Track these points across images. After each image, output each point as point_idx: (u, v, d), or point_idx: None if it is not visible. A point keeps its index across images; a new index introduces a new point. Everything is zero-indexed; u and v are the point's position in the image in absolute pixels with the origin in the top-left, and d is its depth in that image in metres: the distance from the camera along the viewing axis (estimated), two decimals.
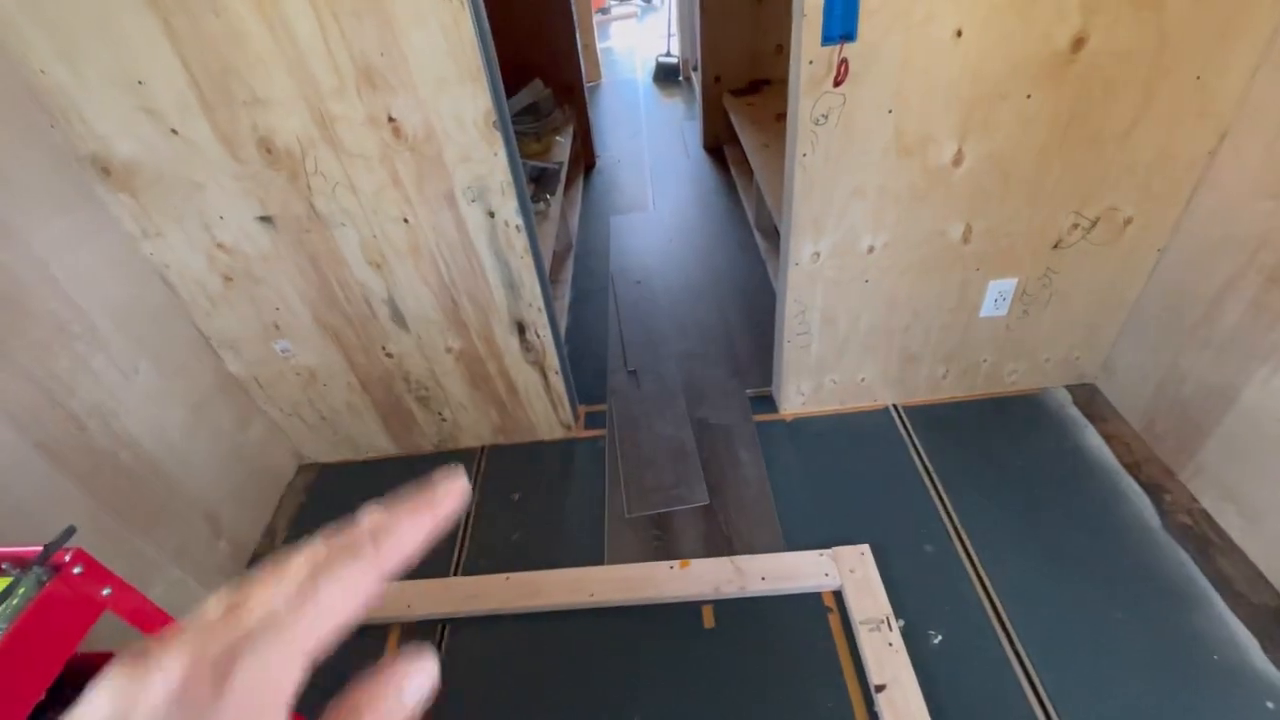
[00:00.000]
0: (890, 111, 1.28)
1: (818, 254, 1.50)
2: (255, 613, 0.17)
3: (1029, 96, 1.27)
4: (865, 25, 1.17)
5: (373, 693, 0.18)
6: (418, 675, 0.19)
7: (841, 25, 1.17)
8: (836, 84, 1.23)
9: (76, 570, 0.72)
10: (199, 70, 1.17)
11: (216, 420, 1.60)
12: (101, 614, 0.75)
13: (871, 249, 1.50)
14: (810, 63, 1.21)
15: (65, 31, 1.12)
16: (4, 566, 0.68)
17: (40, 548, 0.71)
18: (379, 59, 1.18)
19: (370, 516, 0.19)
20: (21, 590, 0.68)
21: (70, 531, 0.74)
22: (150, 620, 0.82)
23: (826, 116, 1.28)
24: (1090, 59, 1.23)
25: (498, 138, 1.29)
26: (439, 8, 1.13)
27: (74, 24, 1.11)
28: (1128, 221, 1.48)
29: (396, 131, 1.26)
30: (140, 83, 1.18)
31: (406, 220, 1.40)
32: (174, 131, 1.24)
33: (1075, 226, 1.48)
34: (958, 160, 1.36)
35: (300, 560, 0.19)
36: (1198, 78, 1.26)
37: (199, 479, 1.52)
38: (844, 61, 1.20)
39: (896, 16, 1.17)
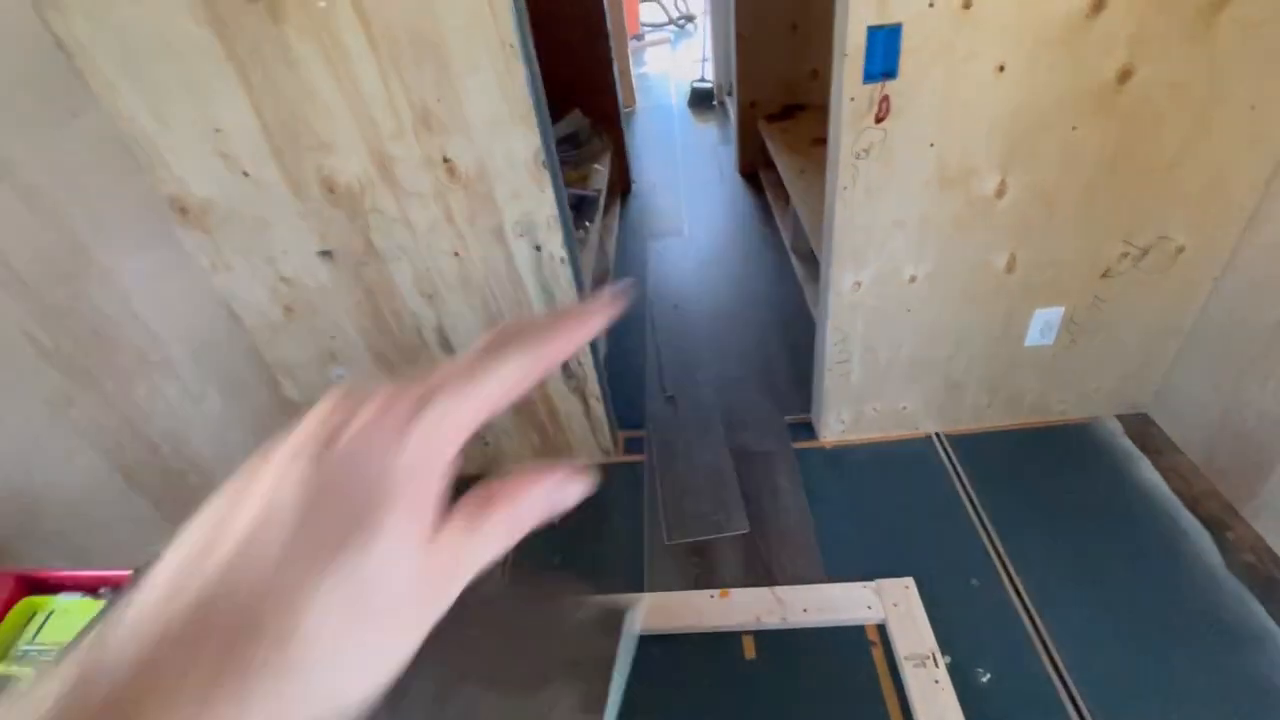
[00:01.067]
0: (932, 145, 1.29)
1: (859, 283, 1.51)
2: (437, 378, 0.21)
3: (1074, 128, 1.27)
4: (907, 62, 1.19)
5: (514, 487, 0.21)
6: (570, 485, 0.21)
7: (883, 63, 1.19)
8: (878, 120, 1.25)
9: None
10: (271, 118, 1.25)
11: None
12: None
13: (914, 278, 1.50)
14: (852, 99, 1.23)
15: (154, 84, 1.21)
16: (101, 591, 0.74)
17: (130, 572, 0.76)
18: (436, 104, 1.24)
19: (537, 322, 0.23)
20: None
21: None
22: None
23: (868, 151, 1.30)
24: (1138, 90, 1.22)
25: (546, 176, 1.34)
26: (493, 56, 1.19)
27: (162, 78, 1.20)
28: (1180, 250, 1.44)
29: (451, 171, 1.33)
30: (218, 130, 1.27)
31: (457, 254, 1.45)
32: (245, 174, 1.33)
33: (1125, 255, 1.46)
34: (1001, 192, 1.36)
35: (477, 344, 0.22)
36: (1252, 107, 1.24)
37: None
38: (885, 98, 1.22)
39: (938, 54, 1.18)
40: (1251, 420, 1.44)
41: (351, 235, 1.42)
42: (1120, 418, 1.78)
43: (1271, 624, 1.30)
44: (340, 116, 1.25)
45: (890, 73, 1.20)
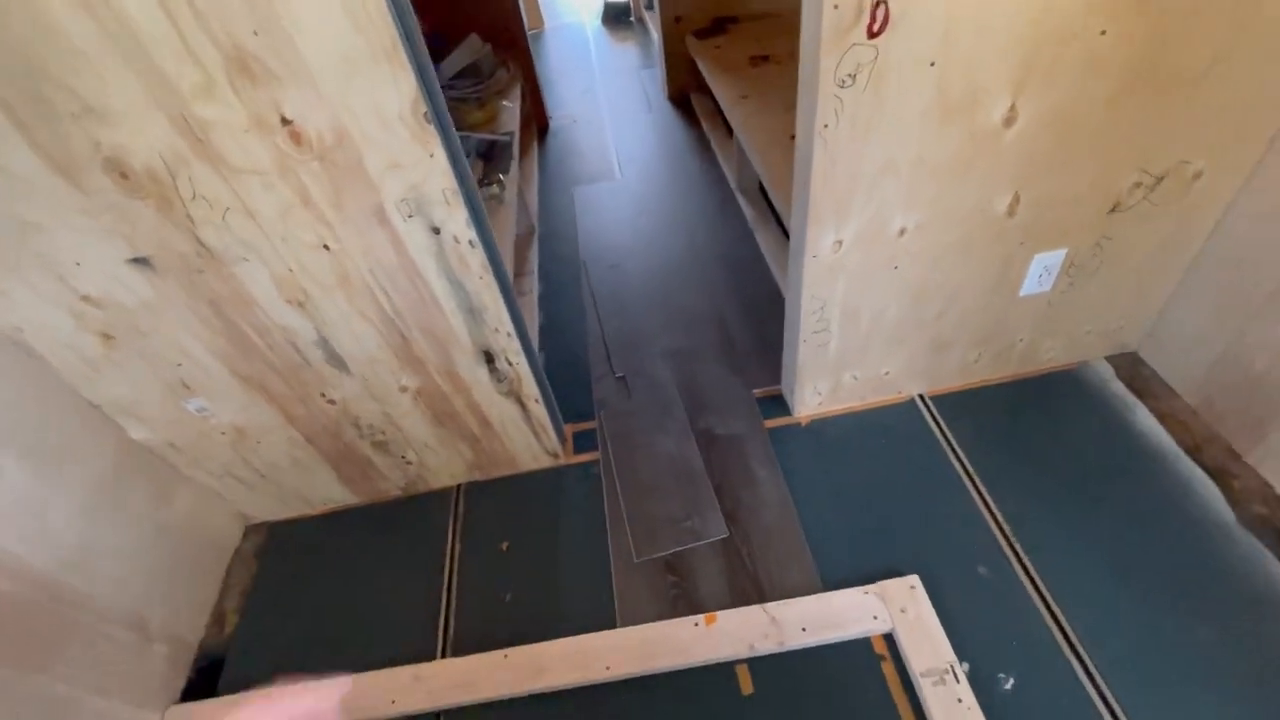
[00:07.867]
0: (933, 65, 1.01)
1: (840, 242, 1.25)
2: None
3: (1103, 33, 1.01)
4: None
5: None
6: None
7: None
8: (872, 34, 0.95)
9: None
10: None
11: (126, 501, 1.31)
12: None
13: (903, 231, 1.25)
14: (835, 7, 0.92)
15: None
16: None
17: None
18: (253, 39, 0.85)
19: None
20: None
21: None
22: None
23: (854, 76, 1.01)
24: None
25: (432, 134, 0.98)
26: None
27: None
28: (1197, 176, 1.25)
29: (295, 136, 0.95)
30: None
31: (327, 247, 1.09)
32: None
33: (1138, 185, 1.25)
34: (1009, 120, 1.11)
35: None
36: None
37: (111, 582, 1.24)
38: (882, 3, 0.92)
39: None
40: (1261, 362, 1.31)
41: (171, 234, 1.03)
42: (1109, 359, 1.64)
43: None
44: (107, 67, 0.84)
45: None
